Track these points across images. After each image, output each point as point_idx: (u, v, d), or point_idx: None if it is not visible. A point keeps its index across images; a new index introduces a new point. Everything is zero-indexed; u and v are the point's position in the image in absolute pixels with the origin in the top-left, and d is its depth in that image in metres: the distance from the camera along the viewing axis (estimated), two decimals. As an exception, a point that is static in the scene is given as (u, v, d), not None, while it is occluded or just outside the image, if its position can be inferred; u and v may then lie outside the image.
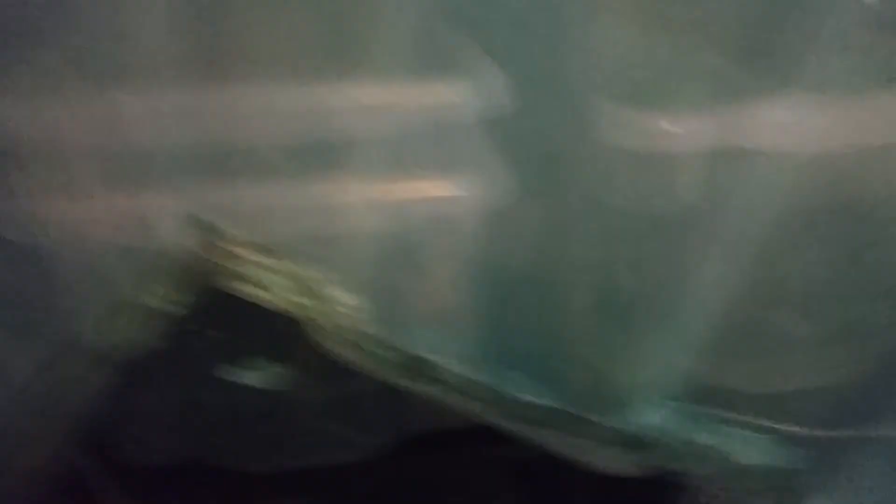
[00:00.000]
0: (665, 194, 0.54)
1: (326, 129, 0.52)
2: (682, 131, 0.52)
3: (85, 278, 0.52)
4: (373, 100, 0.52)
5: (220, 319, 0.60)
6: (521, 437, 0.58)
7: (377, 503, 0.89)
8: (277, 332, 0.58)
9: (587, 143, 0.53)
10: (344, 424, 0.78)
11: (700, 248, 0.53)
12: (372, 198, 0.54)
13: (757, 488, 0.54)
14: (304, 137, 0.52)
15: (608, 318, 0.56)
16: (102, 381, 0.55)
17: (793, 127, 0.50)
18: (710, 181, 0.53)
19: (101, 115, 0.50)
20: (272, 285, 0.52)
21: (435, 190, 0.55)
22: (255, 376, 0.66)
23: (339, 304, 0.53)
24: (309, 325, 0.54)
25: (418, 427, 0.80)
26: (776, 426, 0.54)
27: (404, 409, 0.80)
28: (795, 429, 0.55)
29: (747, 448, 0.54)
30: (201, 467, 0.76)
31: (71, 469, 0.66)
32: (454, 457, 0.84)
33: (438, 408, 0.58)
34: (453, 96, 0.53)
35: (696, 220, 0.53)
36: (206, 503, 0.81)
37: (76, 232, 0.52)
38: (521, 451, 0.84)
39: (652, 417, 0.54)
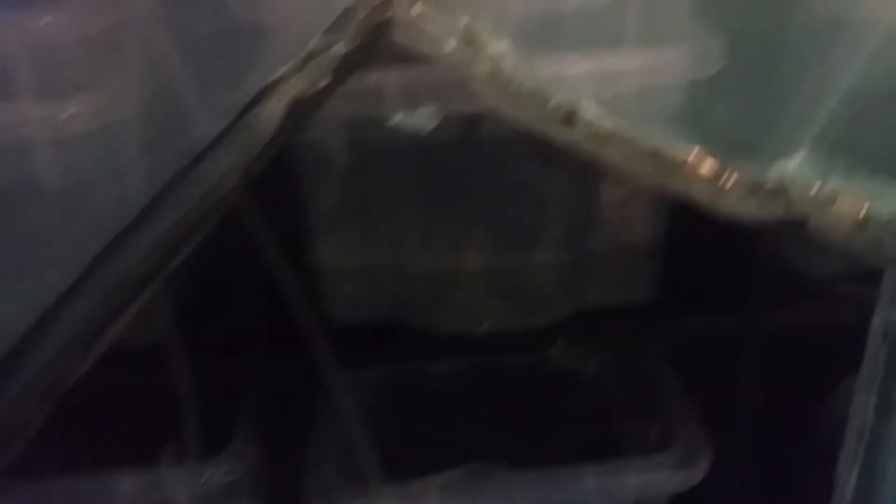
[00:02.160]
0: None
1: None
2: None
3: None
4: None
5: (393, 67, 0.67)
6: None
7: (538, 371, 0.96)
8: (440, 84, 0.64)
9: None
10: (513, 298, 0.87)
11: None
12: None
13: (884, 236, 0.53)
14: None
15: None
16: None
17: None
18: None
19: None
20: (436, 37, 0.54)
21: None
22: (416, 121, 0.69)
23: (496, 52, 0.54)
24: (468, 75, 0.55)
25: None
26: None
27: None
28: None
29: (880, 194, 0.52)
30: (396, 327, 0.86)
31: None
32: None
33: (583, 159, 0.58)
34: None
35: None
36: (400, 358, 0.90)
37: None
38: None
39: (785, 165, 0.53)
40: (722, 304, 0.89)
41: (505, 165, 0.78)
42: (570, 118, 0.54)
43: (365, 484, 0.80)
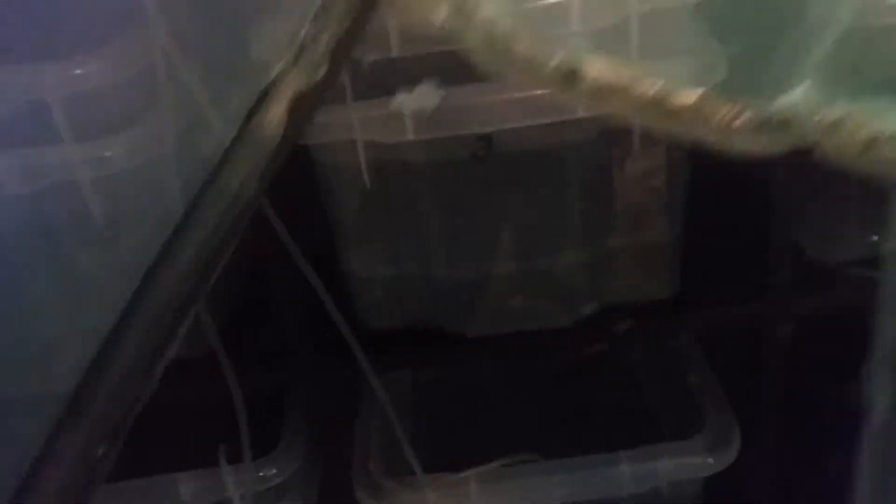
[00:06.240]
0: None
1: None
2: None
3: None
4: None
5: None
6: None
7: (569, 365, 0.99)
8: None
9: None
10: (541, 298, 0.90)
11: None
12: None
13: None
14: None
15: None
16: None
17: None
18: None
19: None
20: (425, 8, 0.51)
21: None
22: (418, 100, 0.70)
23: (487, 16, 0.51)
24: (464, 46, 0.51)
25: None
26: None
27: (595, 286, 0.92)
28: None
29: (886, 113, 0.50)
30: (426, 331, 0.90)
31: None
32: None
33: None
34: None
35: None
36: (434, 360, 0.96)
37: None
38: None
39: (789, 97, 0.52)
40: (743, 293, 0.91)
41: (520, 176, 0.82)
42: (571, 77, 0.52)
43: (409, 477, 0.85)
